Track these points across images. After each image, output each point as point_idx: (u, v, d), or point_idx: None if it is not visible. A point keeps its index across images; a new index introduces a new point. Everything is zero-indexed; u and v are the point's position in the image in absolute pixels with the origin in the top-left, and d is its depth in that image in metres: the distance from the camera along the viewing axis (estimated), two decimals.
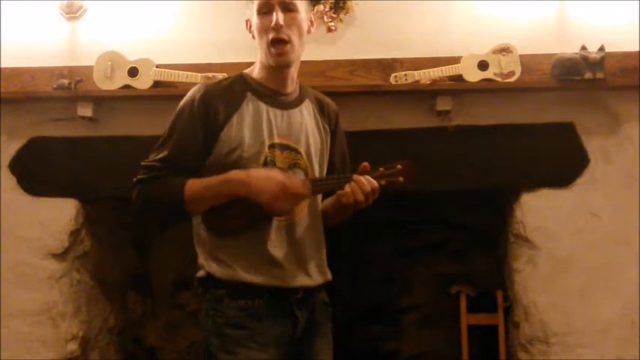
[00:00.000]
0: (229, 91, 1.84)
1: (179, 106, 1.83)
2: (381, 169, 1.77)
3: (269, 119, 1.83)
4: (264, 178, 1.73)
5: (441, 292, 3.47)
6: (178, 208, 1.74)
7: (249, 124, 1.80)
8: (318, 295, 1.89)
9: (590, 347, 2.84)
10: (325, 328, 1.91)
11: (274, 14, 1.79)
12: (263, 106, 1.84)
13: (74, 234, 3.02)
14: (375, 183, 1.76)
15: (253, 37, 1.88)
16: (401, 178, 1.76)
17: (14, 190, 3.00)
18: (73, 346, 3.00)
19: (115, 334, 3.38)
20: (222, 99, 1.81)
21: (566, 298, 2.88)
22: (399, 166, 1.77)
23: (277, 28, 1.79)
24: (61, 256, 2.99)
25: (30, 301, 2.96)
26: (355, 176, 1.76)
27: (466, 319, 3.17)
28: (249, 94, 1.84)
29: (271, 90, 1.87)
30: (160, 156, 1.78)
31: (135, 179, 1.79)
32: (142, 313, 3.62)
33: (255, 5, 1.84)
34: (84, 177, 2.98)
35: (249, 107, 1.82)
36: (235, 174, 1.74)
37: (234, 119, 1.80)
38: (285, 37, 1.81)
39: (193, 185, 1.74)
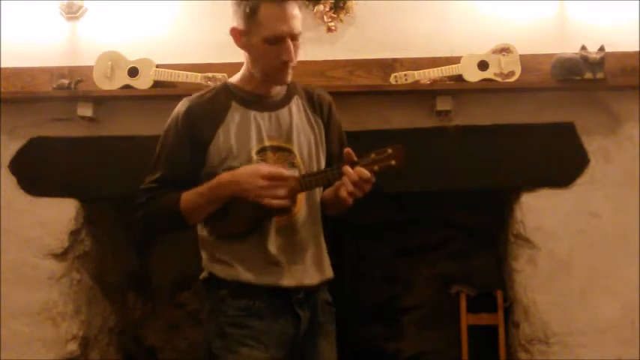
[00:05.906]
0: (213, 103, 1.86)
1: (165, 126, 1.88)
2: (372, 155, 1.74)
3: (257, 124, 1.84)
4: (247, 173, 1.75)
5: (441, 292, 3.47)
6: (178, 221, 1.81)
7: (237, 133, 1.82)
8: (320, 295, 1.90)
9: (590, 347, 2.85)
10: (328, 329, 1.91)
11: (286, 46, 1.78)
12: (250, 112, 1.85)
13: (74, 234, 3.02)
14: (365, 172, 1.72)
15: (242, 47, 1.85)
16: (393, 162, 1.72)
17: (14, 190, 3.00)
18: (73, 346, 3.00)
19: (115, 334, 3.38)
20: (206, 112, 1.84)
21: (566, 298, 2.88)
22: (389, 150, 1.73)
23: (290, 61, 1.80)
24: (61, 256, 2.99)
25: (30, 301, 2.96)
26: (344, 169, 1.73)
27: (466, 319, 3.17)
28: (233, 103, 1.86)
29: (256, 95, 1.87)
30: (154, 177, 1.85)
31: (135, 203, 1.85)
32: (142, 313, 3.61)
33: (261, 32, 1.78)
34: (84, 177, 2.98)
35: (235, 116, 1.84)
36: (223, 176, 1.77)
37: (221, 131, 1.82)
38: (293, 65, 1.82)
39: (187, 197, 1.79)
